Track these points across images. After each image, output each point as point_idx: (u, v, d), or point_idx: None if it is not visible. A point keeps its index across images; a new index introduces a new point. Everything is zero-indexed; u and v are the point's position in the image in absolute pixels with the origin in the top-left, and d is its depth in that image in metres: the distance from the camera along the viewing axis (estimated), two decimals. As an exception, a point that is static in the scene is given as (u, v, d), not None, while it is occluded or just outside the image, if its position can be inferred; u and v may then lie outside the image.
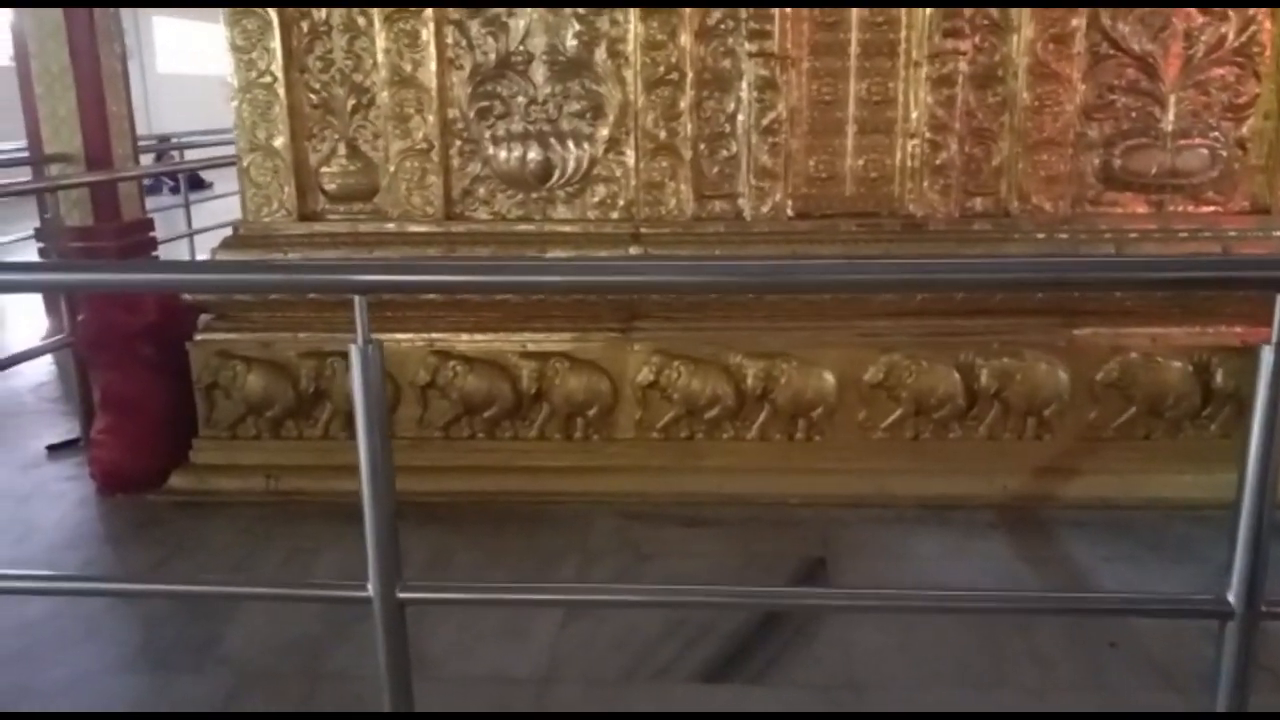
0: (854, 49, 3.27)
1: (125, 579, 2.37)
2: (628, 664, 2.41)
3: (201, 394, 3.41)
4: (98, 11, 5.60)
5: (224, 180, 11.64)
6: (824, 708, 2.27)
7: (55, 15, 5.43)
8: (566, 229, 3.39)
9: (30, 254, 6.38)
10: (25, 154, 6.00)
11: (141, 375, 3.40)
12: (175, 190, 15.17)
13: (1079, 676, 2.39)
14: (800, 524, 3.14)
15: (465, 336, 3.35)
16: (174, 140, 12.33)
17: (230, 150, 3.69)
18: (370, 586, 1.80)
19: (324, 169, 3.42)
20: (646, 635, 2.50)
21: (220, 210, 10.03)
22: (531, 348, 3.33)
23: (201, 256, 8.26)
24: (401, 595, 1.81)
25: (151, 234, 6.29)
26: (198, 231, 8.21)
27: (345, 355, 3.30)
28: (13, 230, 7.13)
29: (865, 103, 3.31)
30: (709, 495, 3.25)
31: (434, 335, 3.36)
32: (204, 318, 3.48)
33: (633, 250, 3.31)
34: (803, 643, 2.47)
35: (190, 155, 10.91)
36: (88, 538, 3.18)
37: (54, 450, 3.94)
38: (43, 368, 5.17)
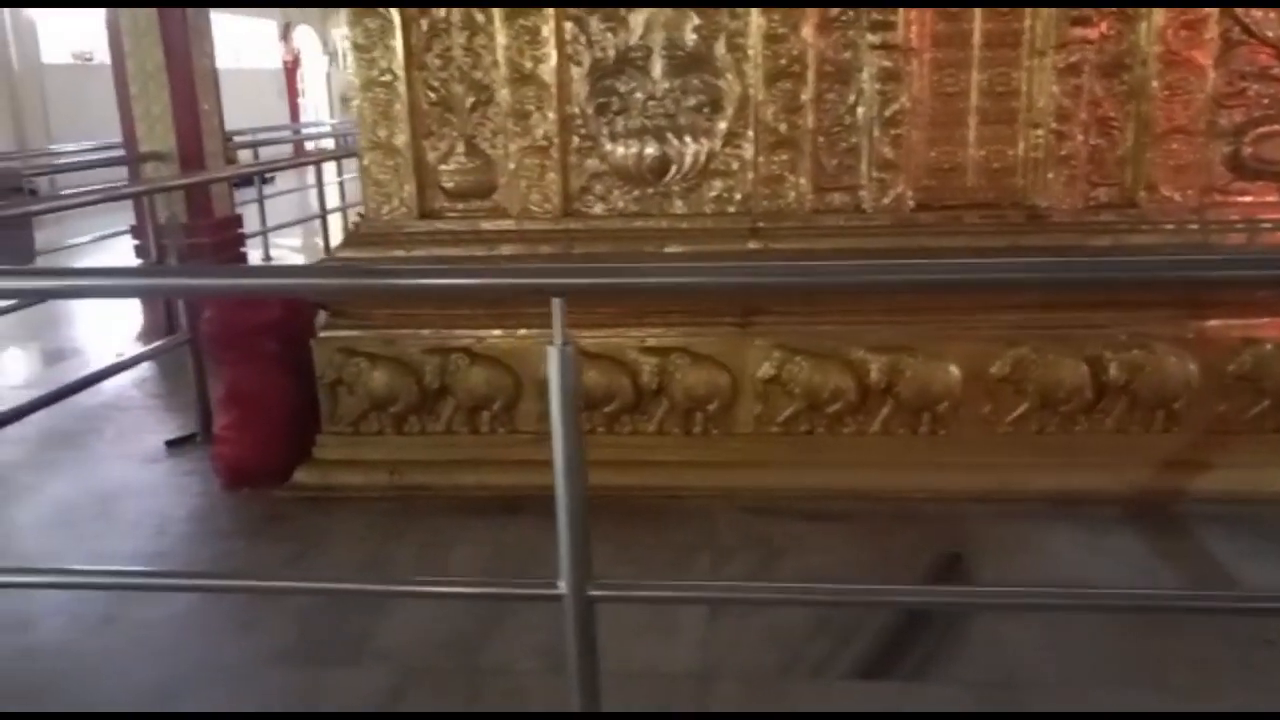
0: (977, 39, 3.24)
1: (293, 576, 2.40)
2: (781, 660, 2.42)
3: (325, 390, 3.46)
4: (190, 10, 5.69)
5: (283, 177, 11.85)
6: (984, 707, 2.26)
7: (150, 14, 5.53)
8: (684, 225, 3.40)
9: (124, 249, 6.53)
10: (119, 153, 6.12)
11: (266, 371, 3.46)
12: (238, 185, 15.42)
13: (1237, 675, 2.36)
14: (927, 519, 3.13)
15: (586, 332, 3.35)
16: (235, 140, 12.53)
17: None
18: (562, 584, 1.82)
19: (442, 167, 3.45)
20: (795, 631, 2.50)
21: (283, 207, 10.20)
22: (651, 343, 3.34)
23: (274, 254, 8.44)
24: (592, 593, 1.82)
25: (240, 230, 6.40)
26: (273, 229, 8.36)
27: (468, 351, 3.39)
28: (101, 226, 7.29)
29: (988, 93, 3.28)
30: (830, 490, 3.24)
31: (550, 331, 3.36)
32: (324, 315, 3.53)
33: (751, 245, 3.31)
34: (955, 639, 2.46)
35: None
36: (219, 532, 3.24)
37: (172, 445, 4.02)
38: (144, 364, 5.28)
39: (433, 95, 3.39)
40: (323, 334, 3.45)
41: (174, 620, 2.63)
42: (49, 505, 3.48)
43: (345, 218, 8.76)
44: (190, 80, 5.74)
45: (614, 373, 3.34)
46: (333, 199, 9.16)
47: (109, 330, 6.15)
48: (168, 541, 3.20)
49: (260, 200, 8.29)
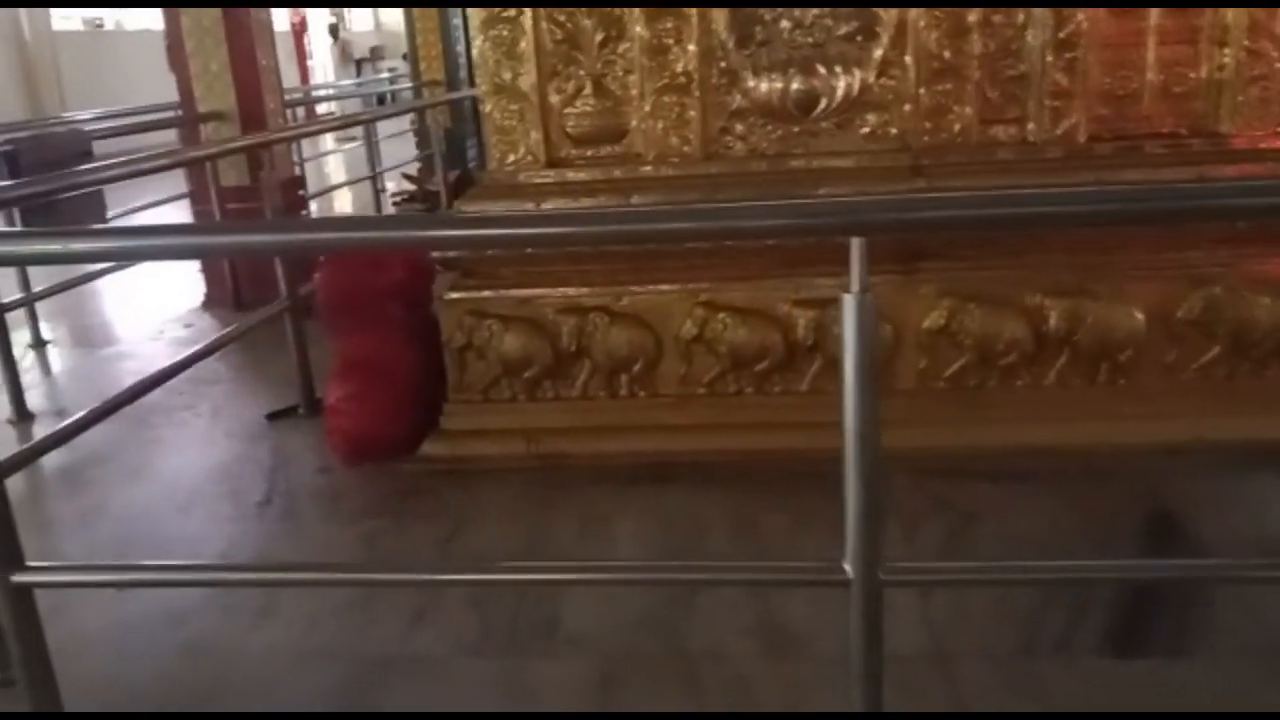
0: (1159, -52, 2.95)
1: (496, 567, 2.18)
2: (1020, 637, 2.20)
3: (453, 356, 3.23)
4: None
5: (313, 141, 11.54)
6: (1246, 683, 2.04)
7: (207, -39, 5.22)
8: (837, 163, 3.14)
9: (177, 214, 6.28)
10: (176, 114, 5.85)
11: (389, 338, 3.23)
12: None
13: None
14: (1117, 475, 2.89)
15: (734, 285, 3.12)
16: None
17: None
18: (848, 566, 1.60)
19: (568, 110, 3.19)
20: (1023, 605, 2.29)
21: (316, 171, 9.89)
22: (805, 295, 3.09)
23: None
24: (884, 577, 1.61)
25: (302, 192, 6.14)
26: (332, 188, 8.09)
27: (606, 310, 3.15)
28: (151, 192, 7.02)
29: (1167, 10, 2.99)
30: (1007, 448, 3.00)
31: (697, 285, 3.13)
32: (447, 275, 3.30)
33: (916, 184, 3.05)
34: (1202, 609, 2.24)
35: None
36: (357, 511, 3.02)
37: (273, 418, 3.82)
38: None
39: (558, 32, 3.12)
40: (450, 295, 3.21)
41: (337, 613, 2.42)
42: (166, 487, 3.27)
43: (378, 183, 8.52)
44: (249, 35, 5.45)
45: (765, 329, 3.10)
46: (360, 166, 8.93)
47: (161, 305, 5.90)
48: (304, 524, 3.00)
49: (300, 162, 8.02)
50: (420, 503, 3.03)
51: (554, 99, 3.17)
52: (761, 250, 3.08)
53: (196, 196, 5.73)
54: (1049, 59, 3.00)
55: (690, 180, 3.15)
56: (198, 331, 5.22)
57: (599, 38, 3.11)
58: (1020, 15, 3.01)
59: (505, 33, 3.09)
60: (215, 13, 5.32)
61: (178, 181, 6.19)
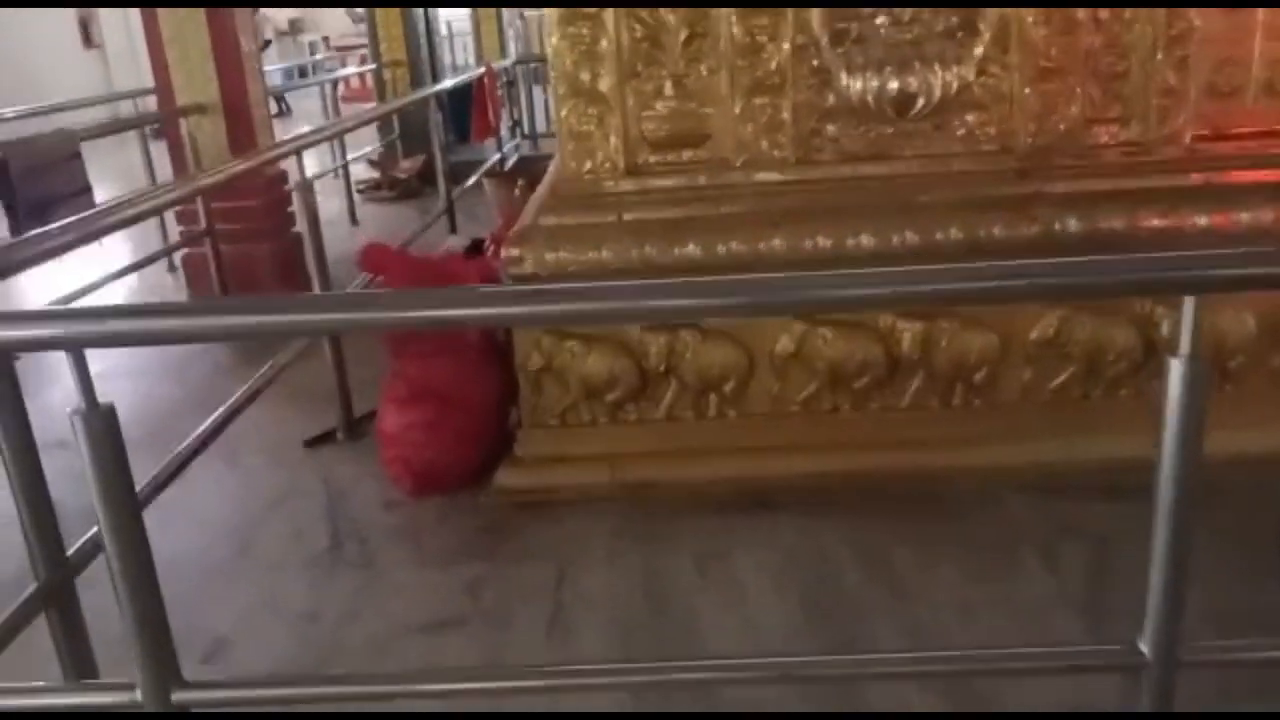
0: (1269, -61, 2.84)
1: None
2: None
3: (528, 379, 3.00)
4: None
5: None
6: None
7: (182, -55, 4.82)
8: (935, 167, 2.98)
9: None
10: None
11: (464, 361, 2.99)
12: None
13: None
14: (1236, 489, 2.81)
15: (832, 297, 2.94)
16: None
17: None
18: (1145, 647, 1.44)
19: (646, 112, 2.96)
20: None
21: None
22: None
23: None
24: (1185, 658, 1.46)
25: (286, 187, 5.77)
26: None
27: (697, 327, 2.95)
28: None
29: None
30: (1114, 462, 2.89)
31: (794, 298, 2.95)
32: (520, 292, 3.06)
33: (1021, 191, 2.91)
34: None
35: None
36: (446, 554, 2.79)
37: (311, 444, 3.54)
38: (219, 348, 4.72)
39: (639, 30, 2.89)
40: (524, 315, 2.97)
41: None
42: (220, 532, 2.99)
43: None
44: (231, 18, 5.06)
45: (867, 343, 2.94)
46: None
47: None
48: (389, 571, 2.74)
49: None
50: (511, 542, 2.81)
51: (632, 101, 2.94)
52: (856, 255, 2.91)
53: (184, 215, 5.32)
54: (1160, 56, 2.87)
55: (783, 187, 2.96)
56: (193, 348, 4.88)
57: (683, 35, 2.89)
58: (1128, 11, 2.87)
59: (585, 31, 2.85)
60: (194, -5, 4.93)
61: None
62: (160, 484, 2.55)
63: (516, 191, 6.95)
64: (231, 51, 5.08)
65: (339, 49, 20.19)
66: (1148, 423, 2.94)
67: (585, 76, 2.89)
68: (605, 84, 2.90)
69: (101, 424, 1.31)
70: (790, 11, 2.84)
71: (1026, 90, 2.91)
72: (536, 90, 10.92)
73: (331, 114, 8.32)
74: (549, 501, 2.97)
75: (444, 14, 10.68)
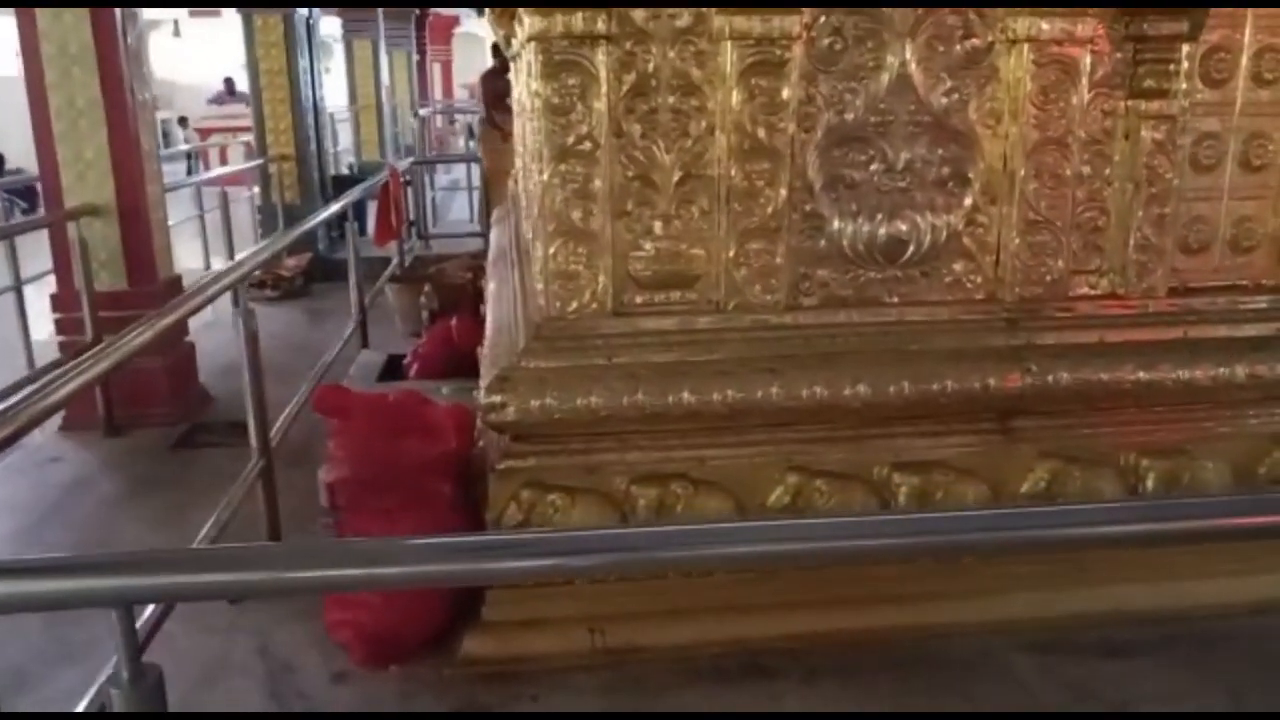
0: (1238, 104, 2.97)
1: None
2: None
3: (504, 533, 2.75)
4: (122, 20, 4.63)
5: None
6: None
7: (84, 36, 4.48)
8: (921, 316, 2.92)
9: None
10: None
11: (431, 513, 2.71)
12: (28, 211, 13.51)
13: None
14: (1230, 639, 2.80)
15: (828, 446, 2.83)
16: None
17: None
18: None
19: (634, 253, 2.82)
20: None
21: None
22: (908, 457, 2.85)
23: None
24: None
25: (183, 290, 5.35)
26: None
27: (687, 477, 2.79)
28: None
29: (1244, 164, 3.01)
30: (1121, 614, 2.87)
31: (788, 448, 2.83)
32: (494, 439, 2.82)
33: (1012, 342, 2.89)
34: None
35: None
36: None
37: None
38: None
39: (631, 168, 2.75)
40: (503, 465, 2.74)
41: None
42: None
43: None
44: (132, 115, 4.69)
45: (863, 495, 2.83)
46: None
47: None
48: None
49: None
50: (494, 726, 2.52)
51: (621, 240, 2.79)
52: (855, 410, 2.82)
53: (61, 302, 4.84)
54: (1140, 213, 2.93)
55: (775, 331, 2.85)
56: (76, 468, 4.38)
57: (677, 176, 2.77)
58: (1107, 168, 2.93)
59: (579, 168, 2.70)
60: (94, 90, 4.54)
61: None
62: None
63: (422, 299, 6.72)
64: (130, 149, 4.70)
65: (201, 131, 19.49)
66: (1146, 573, 2.93)
67: (576, 215, 2.73)
68: (596, 223, 2.74)
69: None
70: (789, 155, 2.76)
71: (1017, 241, 2.91)
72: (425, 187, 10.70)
73: (219, 216, 7.84)
74: (524, 673, 2.71)
75: (328, 102, 10.37)
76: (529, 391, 2.69)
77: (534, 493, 2.73)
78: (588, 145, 2.69)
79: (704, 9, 2.65)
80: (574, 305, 2.79)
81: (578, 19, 2.58)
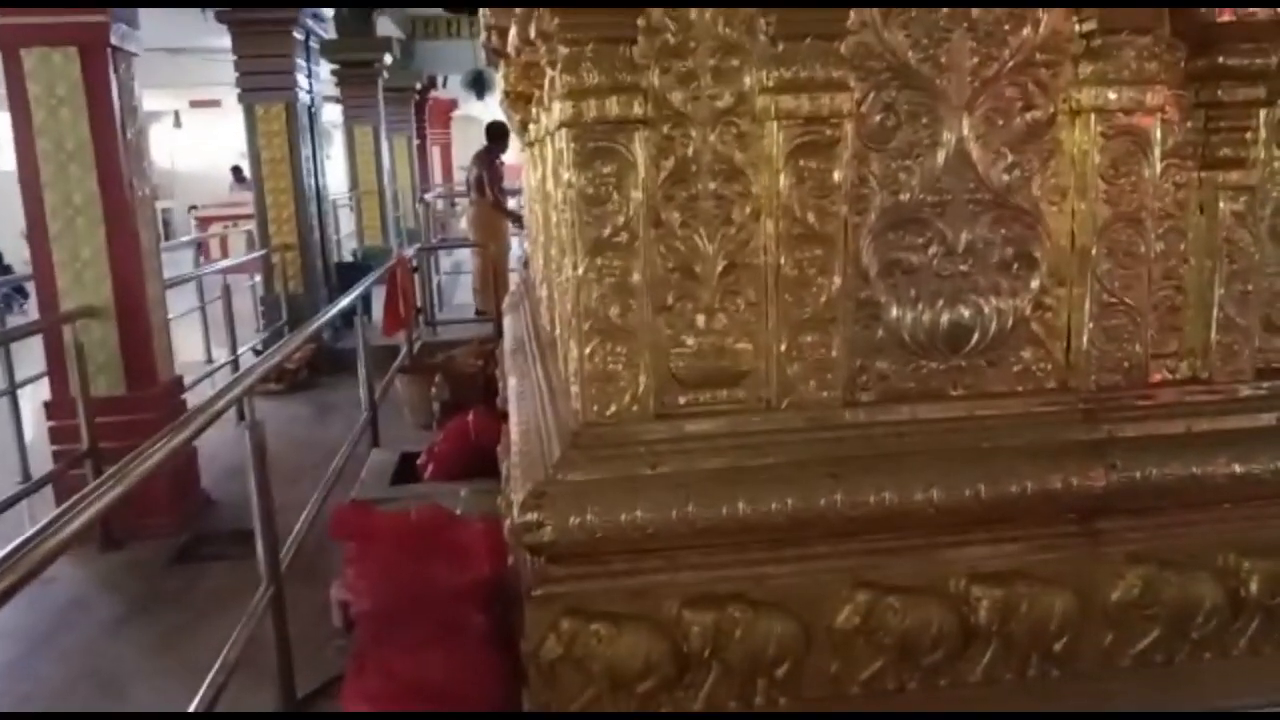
0: (1309, 169, 2.76)
1: None
2: None
3: (540, 669, 2.47)
4: (122, 115, 4.47)
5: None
6: None
7: (81, 133, 4.31)
8: (993, 408, 2.68)
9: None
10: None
11: (463, 650, 2.43)
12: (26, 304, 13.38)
13: None
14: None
15: (897, 558, 2.57)
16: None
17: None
18: None
19: (676, 349, 2.59)
20: None
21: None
22: (987, 568, 2.58)
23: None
24: None
25: (184, 396, 5.11)
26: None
27: (746, 599, 2.52)
28: None
29: (1315, 233, 2.81)
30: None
31: (853, 560, 2.56)
32: (531, 563, 2.56)
33: (1092, 435, 2.64)
34: None
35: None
36: None
37: None
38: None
39: (671, 260, 2.54)
40: (539, 591, 2.47)
41: None
42: None
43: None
44: (130, 213, 4.51)
45: (941, 611, 2.55)
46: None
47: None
48: None
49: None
50: None
51: (662, 337, 2.57)
52: (924, 519, 2.56)
53: (56, 409, 4.60)
54: (1221, 291, 2.71)
55: (833, 431, 2.60)
56: (71, 587, 4.09)
57: (720, 266, 2.55)
58: (1181, 244, 2.72)
59: (616, 261, 2.48)
60: (91, 187, 4.37)
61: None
62: None
63: (433, 390, 6.49)
64: (130, 247, 4.51)
65: (201, 220, 19.47)
66: (1238, 687, 2.65)
67: (614, 311, 2.50)
68: (635, 320, 2.52)
69: None
70: (842, 241, 2.54)
71: (1088, 324, 2.68)
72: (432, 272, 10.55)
73: (223, 317, 7.64)
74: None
75: (331, 188, 10.28)
76: (567, 508, 2.43)
77: (575, 622, 2.45)
78: (625, 236, 2.48)
79: (745, 90, 2.47)
80: (613, 409, 2.55)
81: (613, 103, 2.39)
